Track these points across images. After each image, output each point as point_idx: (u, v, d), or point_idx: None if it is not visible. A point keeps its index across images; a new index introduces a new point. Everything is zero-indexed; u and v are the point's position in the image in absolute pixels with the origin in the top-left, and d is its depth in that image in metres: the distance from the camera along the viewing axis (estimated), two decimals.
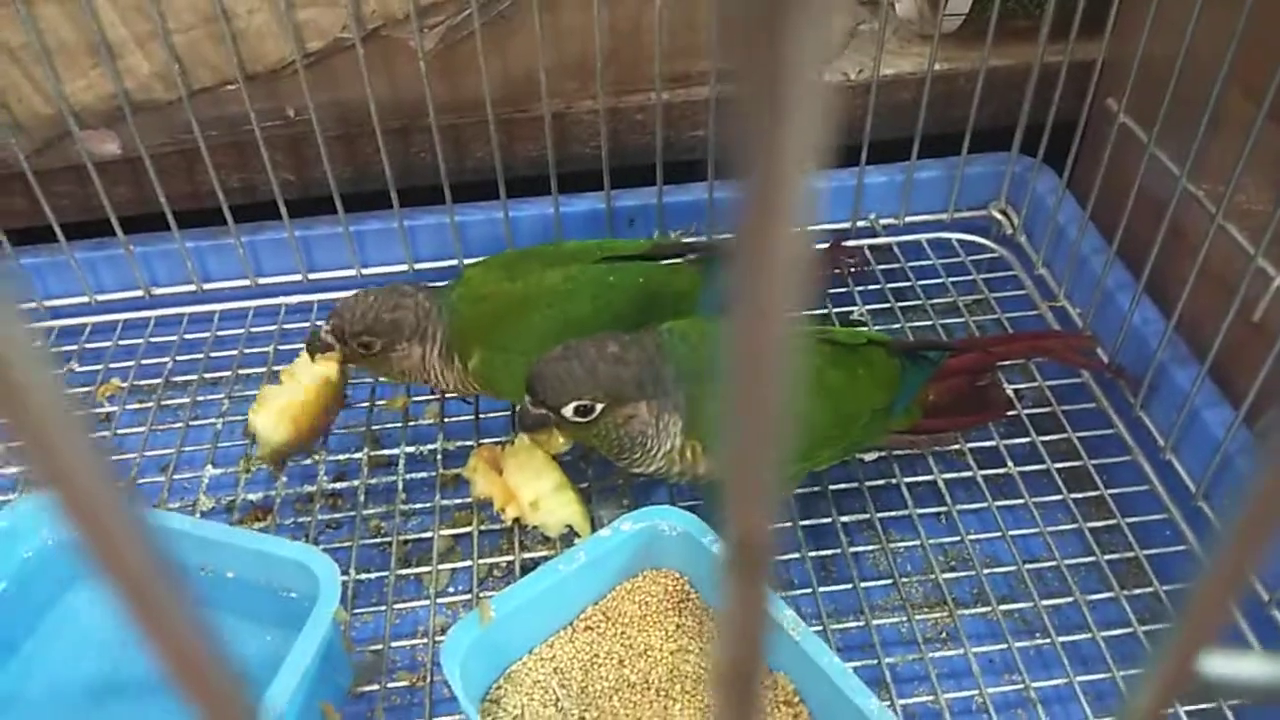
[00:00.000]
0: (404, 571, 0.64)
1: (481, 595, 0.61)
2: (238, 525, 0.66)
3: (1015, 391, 0.72)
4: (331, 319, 0.63)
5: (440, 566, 0.64)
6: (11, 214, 0.83)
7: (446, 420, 0.73)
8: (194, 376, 0.77)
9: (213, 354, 0.79)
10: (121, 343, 0.81)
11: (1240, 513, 0.15)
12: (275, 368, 0.76)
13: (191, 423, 0.73)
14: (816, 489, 0.66)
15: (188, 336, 0.81)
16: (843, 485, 0.67)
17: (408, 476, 0.69)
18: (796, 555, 0.63)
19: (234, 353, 0.79)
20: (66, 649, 0.59)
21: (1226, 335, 0.62)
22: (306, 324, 0.81)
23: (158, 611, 0.13)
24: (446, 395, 0.74)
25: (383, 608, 0.62)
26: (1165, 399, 0.68)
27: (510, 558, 0.64)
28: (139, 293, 0.83)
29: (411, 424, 0.73)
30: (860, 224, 0.87)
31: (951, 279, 0.83)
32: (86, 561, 0.12)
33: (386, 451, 0.71)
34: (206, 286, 0.83)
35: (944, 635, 0.61)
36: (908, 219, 0.87)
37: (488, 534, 0.66)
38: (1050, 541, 0.64)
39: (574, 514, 0.63)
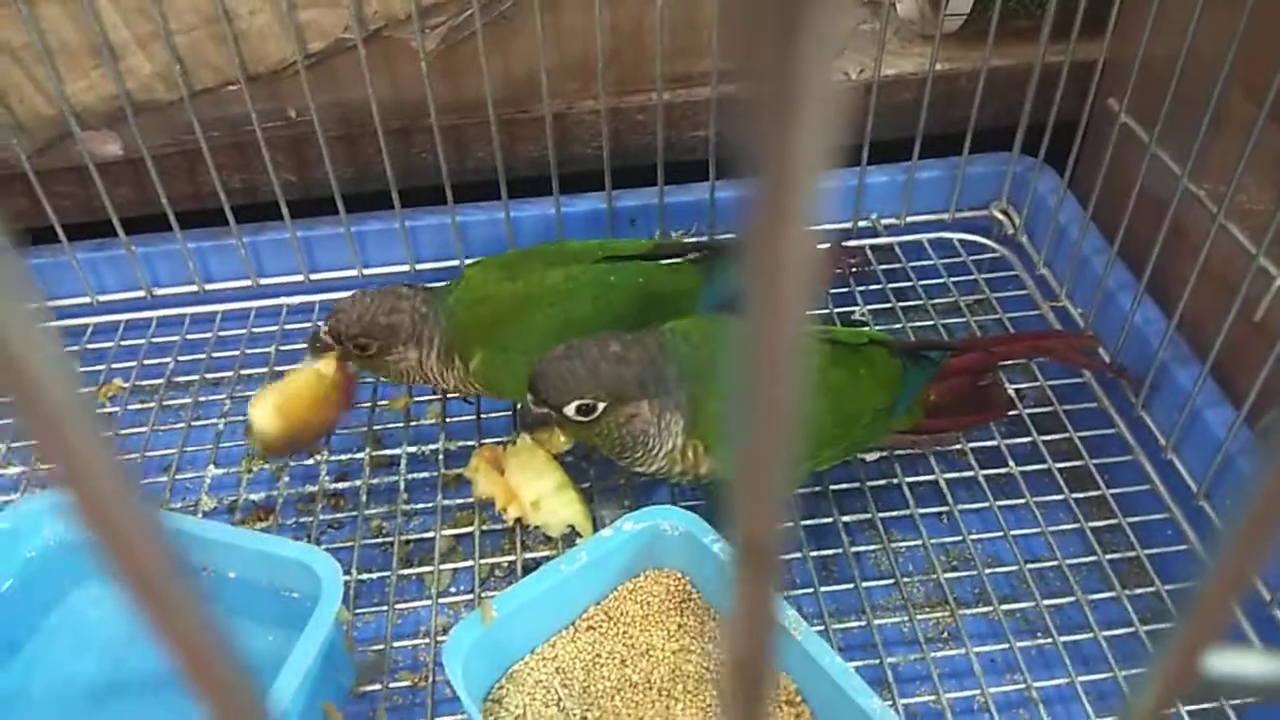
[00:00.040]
0: (406, 571, 0.64)
1: (483, 595, 0.61)
2: (240, 525, 0.67)
3: (1017, 391, 0.72)
4: (329, 320, 0.63)
5: (442, 566, 0.64)
6: (13, 214, 0.83)
7: (448, 420, 0.73)
8: (196, 377, 0.77)
9: (214, 354, 0.79)
10: (123, 343, 0.81)
11: (1243, 512, 0.15)
12: (277, 368, 0.76)
13: (193, 423, 0.73)
14: (818, 489, 0.66)
15: (189, 337, 0.81)
16: (844, 485, 0.67)
17: (409, 476, 0.69)
18: (798, 555, 0.63)
19: (236, 353, 0.79)
20: (69, 648, 0.59)
21: (1228, 335, 0.62)
22: (308, 324, 0.81)
23: (170, 609, 0.13)
24: (448, 395, 0.74)
25: (385, 608, 0.62)
26: (1167, 399, 0.68)
27: (512, 558, 0.65)
28: (141, 293, 0.83)
29: (413, 424, 0.73)
30: (862, 224, 0.87)
31: (953, 279, 0.83)
32: (99, 560, 0.12)
33: (388, 451, 0.71)
34: (208, 287, 0.83)
35: (945, 635, 0.62)
36: (909, 219, 0.87)
37: (489, 534, 0.66)
38: (1052, 541, 0.64)
39: (576, 514, 0.63)
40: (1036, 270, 0.83)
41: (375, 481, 0.69)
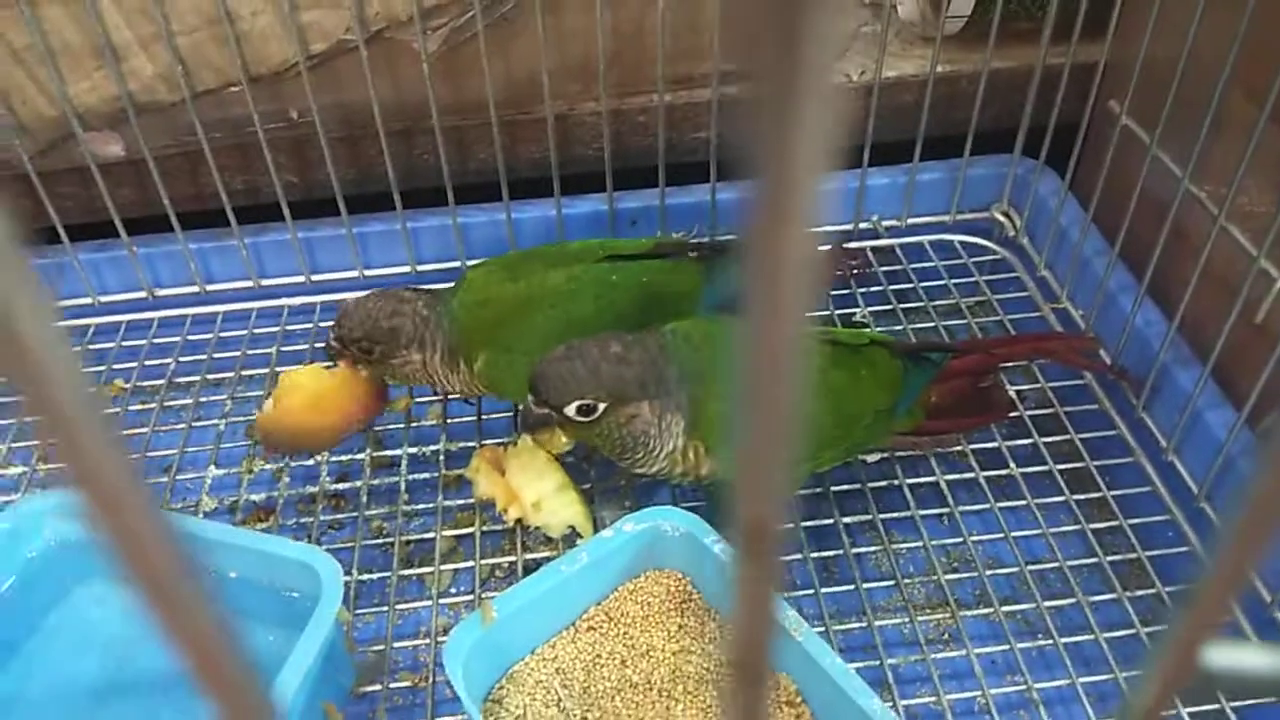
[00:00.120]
0: (406, 572, 0.64)
1: (484, 596, 0.61)
2: (240, 526, 0.67)
3: (1017, 393, 0.72)
4: (334, 325, 0.64)
5: (442, 567, 0.64)
6: (16, 215, 0.83)
7: (449, 421, 0.73)
8: (197, 378, 0.77)
9: (216, 355, 0.79)
10: (125, 344, 0.81)
11: (1242, 508, 0.15)
12: (278, 369, 0.77)
13: (194, 424, 0.73)
14: (819, 490, 0.67)
15: (191, 338, 0.81)
16: (845, 486, 0.67)
17: (410, 477, 0.69)
18: (799, 556, 0.63)
19: (237, 354, 0.79)
20: (70, 648, 0.59)
21: (1229, 337, 0.63)
22: (309, 325, 0.81)
23: (180, 609, 0.13)
24: (449, 397, 0.74)
25: (385, 608, 0.62)
26: (1167, 400, 0.68)
27: (512, 558, 0.65)
28: (142, 294, 0.83)
29: (414, 425, 0.73)
30: (863, 226, 0.87)
31: (954, 281, 0.83)
32: (108, 560, 0.12)
33: (389, 452, 0.71)
34: (210, 288, 0.84)
35: (946, 636, 0.62)
36: (910, 221, 0.87)
37: (490, 535, 0.66)
38: (1052, 542, 0.64)
39: (576, 514, 0.63)
40: (1037, 272, 0.83)
41: (376, 482, 0.69)
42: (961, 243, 0.87)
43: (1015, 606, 0.61)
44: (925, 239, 0.87)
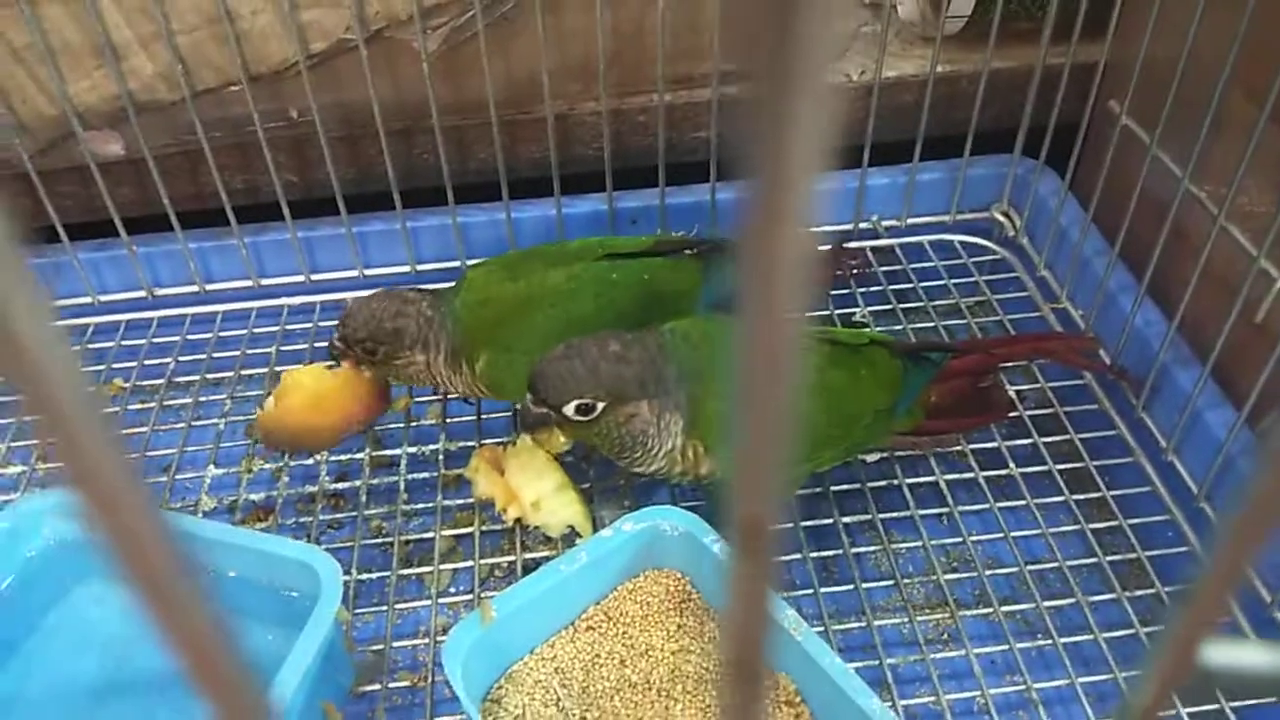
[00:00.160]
0: (405, 571, 0.64)
1: (483, 595, 0.61)
2: (240, 525, 0.67)
3: (1017, 393, 0.72)
4: (338, 325, 0.64)
5: (442, 567, 0.64)
6: (16, 214, 0.83)
7: (448, 421, 0.73)
8: (196, 377, 0.77)
9: (215, 355, 0.79)
10: (124, 343, 0.81)
11: (1240, 510, 0.15)
12: (278, 368, 0.77)
13: (194, 423, 0.73)
14: (818, 490, 0.66)
15: (190, 337, 0.81)
16: (845, 486, 0.67)
17: (409, 477, 0.69)
18: (798, 556, 0.63)
19: (236, 353, 0.79)
20: (69, 648, 0.59)
21: (1229, 337, 0.62)
22: (309, 325, 0.81)
23: (176, 609, 0.13)
24: (449, 396, 0.74)
25: (384, 608, 0.62)
26: (1167, 400, 0.68)
27: (512, 558, 0.65)
28: (142, 293, 0.83)
29: (413, 424, 0.73)
30: (863, 226, 0.87)
31: (954, 281, 0.83)
32: (105, 559, 0.12)
33: (388, 452, 0.71)
34: (209, 287, 0.84)
35: (946, 636, 0.62)
36: (910, 221, 0.87)
37: (489, 534, 0.66)
38: (1052, 542, 0.64)
39: (576, 514, 0.63)
40: (1037, 272, 0.83)
41: (375, 482, 0.69)
42: (961, 243, 0.87)
43: (1015, 606, 0.61)
44: (925, 239, 0.87)
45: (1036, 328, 0.79)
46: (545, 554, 0.64)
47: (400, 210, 0.80)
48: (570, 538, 0.64)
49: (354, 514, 0.67)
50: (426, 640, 0.61)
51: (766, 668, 0.15)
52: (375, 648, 0.60)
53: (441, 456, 0.70)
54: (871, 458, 0.68)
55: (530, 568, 0.57)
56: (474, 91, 0.77)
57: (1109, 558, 0.63)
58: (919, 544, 0.64)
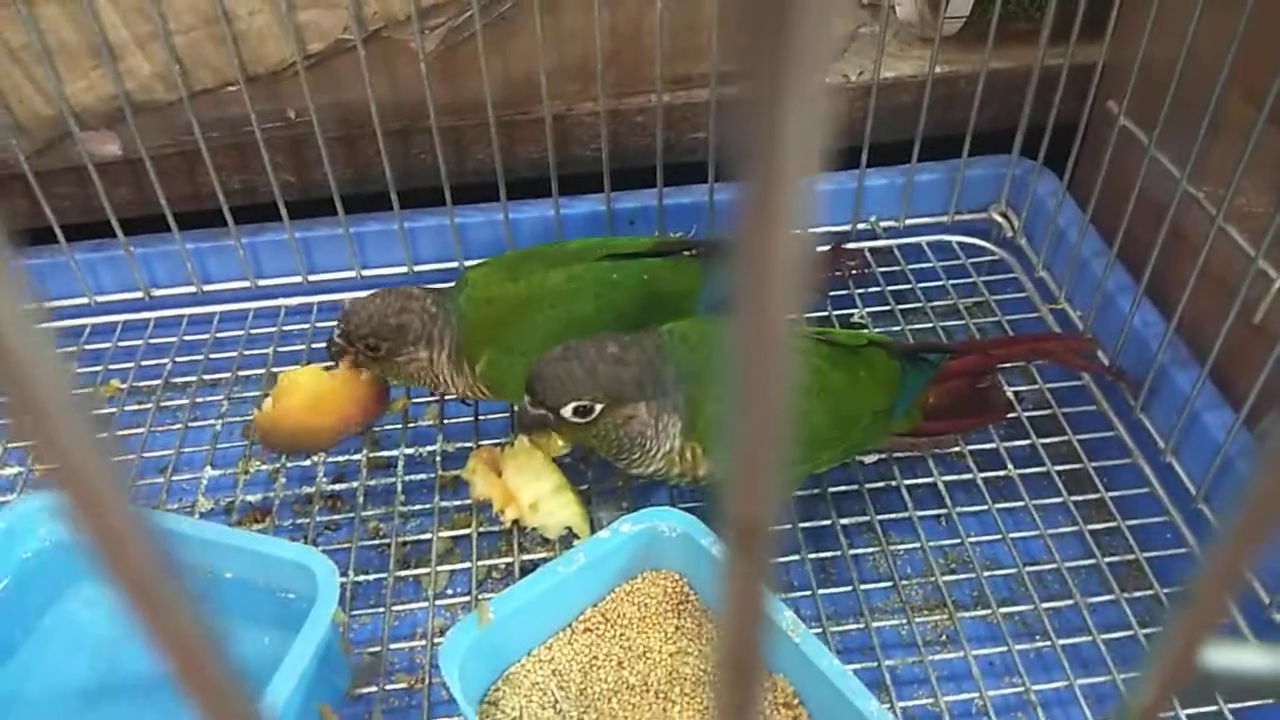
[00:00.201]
0: (403, 573, 0.64)
1: (480, 597, 0.61)
2: (236, 526, 0.66)
3: (1015, 394, 0.72)
4: (340, 321, 0.63)
5: (439, 568, 0.64)
6: (12, 215, 0.83)
7: (446, 422, 0.73)
8: (193, 378, 0.77)
9: (212, 355, 0.79)
10: (121, 344, 0.81)
11: (1240, 507, 0.15)
12: (275, 369, 0.76)
13: (191, 424, 0.73)
14: (816, 491, 0.66)
15: (187, 338, 0.81)
16: (843, 487, 0.67)
17: (407, 478, 0.69)
18: (796, 557, 0.63)
19: (234, 354, 0.79)
20: (64, 650, 0.59)
21: (1227, 337, 0.62)
22: (306, 326, 0.81)
23: (163, 612, 0.13)
24: (447, 398, 0.74)
25: (381, 609, 0.62)
26: (1166, 401, 0.68)
27: (509, 559, 0.64)
28: (139, 294, 0.83)
29: (411, 425, 0.73)
30: (861, 226, 0.87)
31: (952, 281, 0.83)
32: (91, 561, 0.12)
33: (385, 453, 0.71)
34: (206, 288, 0.83)
35: (944, 638, 0.61)
36: (908, 221, 0.87)
37: (487, 536, 0.66)
38: (1050, 544, 0.64)
39: (573, 515, 0.63)
40: (1035, 273, 0.83)
41: (372, 483, 0.69)
42: (959, 243, 0.87)
43: (1013, 608, 0.61)
44: (923, 240, 0.87)
45: (1035, 328, 0.79)
46: (543, 555, 0.64)
47: (398, 211, 0.80)
48: (568, 539, 0.64)
49: (351, 515, 0.67)
50: (424, 642, 0.61)
51: (763, 670, 0.15)
52: (372, 649, 0.60)
53: (439, 458, 0.70)
54: (870, 459, 0.68)
55: (528, 569, 0.57)
56: (472, 92, 0.77)
57: (1107, 559, 0.63)
58: (917, 545, 0.64)
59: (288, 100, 0.80)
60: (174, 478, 0.70)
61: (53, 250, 0.81)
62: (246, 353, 0.79)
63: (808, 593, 0.61)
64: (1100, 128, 0.77)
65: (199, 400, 0.75)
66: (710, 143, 0.82)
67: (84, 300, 0.82)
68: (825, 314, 0.80)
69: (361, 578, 0.63)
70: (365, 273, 0.84)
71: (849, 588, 0.62)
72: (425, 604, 0.62)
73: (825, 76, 0.10)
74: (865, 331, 0.68)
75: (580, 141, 0.86)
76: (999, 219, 0.87)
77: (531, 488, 0.63)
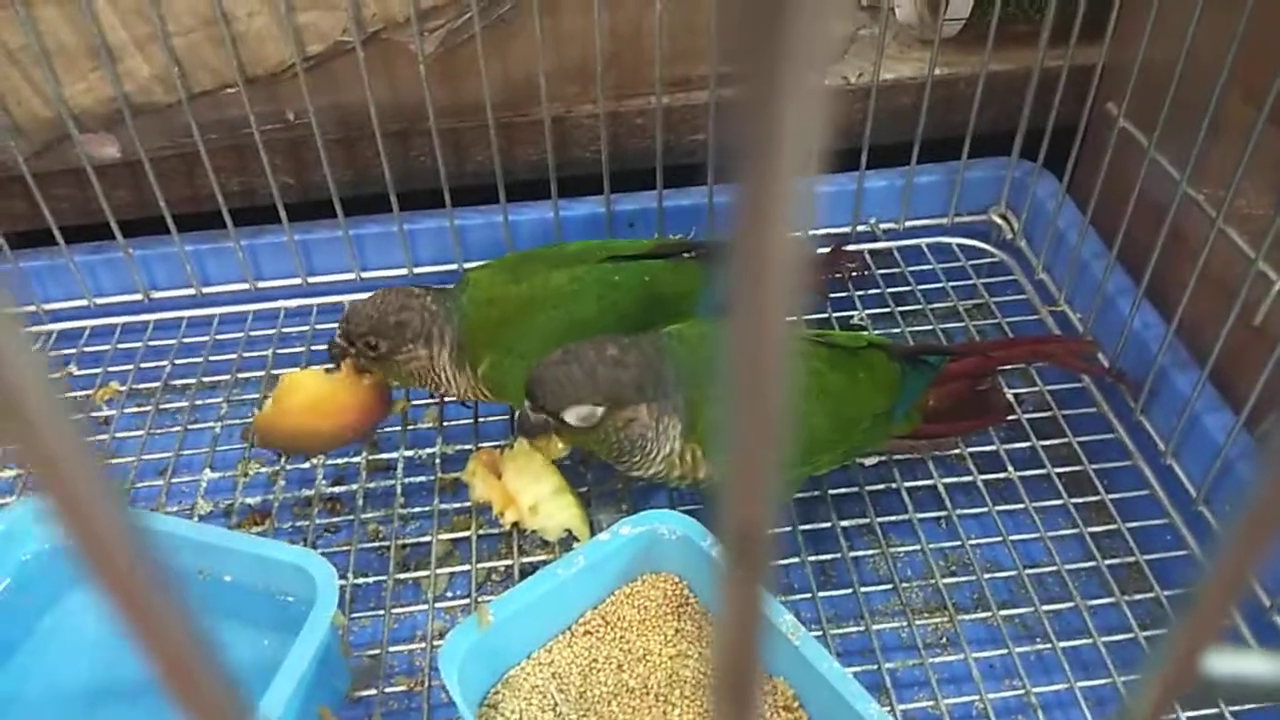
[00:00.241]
0: (402, 576, 0.64)
1: (480, 600, 0.61)
2: (236, 529, 0.66)
3: (1015, 396, 0.72)
4: (340, 322, 0.63)
5: (438, 571, 0.64)
6: (10, 217, 0.83)
7: (445, 424, 0.73)
8: (192, 380, 0.77)
9: (211, 358, 0.79)
10: (120, 346, 0.80)
11: (1243, 513, 0.15)
12: (274, 371, 0.76)
13: (190, 426, 0.73)
14: (816, 493, 0.66)
15: (186, 340, 0.81)
16: (842, 490, 0.67)
17: (406, 480, 0.69)
18: (796, 560, 0.63)
19: (233, 356, 0.78)
20: (64, 651, 0.59)
21: (1227, 340, 0.62)
22: (306, 328, 0.81)
23: (149, 614, 0.13)
24: (446, 400, 0.74)
25: (381, 612, 0.62)
26: (1166, 403, 0.68)
27: (509, 562, 0.64)
28: (138, 296, 0.83)
29: (410, 428, 0.73)
30: (860, 228, 0.87)
31: (952, 283, 0.82)
32: (77, 563, 0.12)
33: (385, 455, 0.71)
34: (205, 290, 0.83)
35: (944, 640, 0.61)
36: (908, 223, 0.87)
37: (486, 538, 0.66)
38: (1051, 546, 0.64)
39: (573, 518, 0.63)
40: (1035, 275, 0.83)
41: (372, 485, 0.69)
42: (959, 245, 0.86)
43: (1013, 610, 0.61)
44: (923, 241, 0.87)
45: (1035, 330, 0.79)
46: (542, 558, 0.64)
47: (397, 213, 0.80)
48: (568, 541, 0.64)
49: (350, 518, 0.67)
50: (423, 645, 0.60)
51: (761, 675, 0.15)
52: (371, 652, 0.60)
53: (438, 460, 0.70)
54: (869, 461, 0.68)
55: (527, 572, 0.57)
56: (471, 94, 0.77)
57: (1107, 561, 0.63)
58: (917, 548, 0.64)
59: (287, 102, 0.80)
60: (173, 480, 0.70)
61: (52, 252, 0.81)
62: (246, 355, 0.79)
63: (808, 595, 0.61)
64: (1100, 129, 0.77)
65: (198, 402, 0.75)
66: (710, 145, 0.82)
67: (83, 302, 0.82)
68: (825, 316, 0.80)
69: (361, 580, 0.63)
70: (365, 275, 0.84)
71: (849, 590, 0.62)
72: (425, 606, 0.62)
73: (822, 77, 0.10)
74: (865, 333, 0.68)
75: (579, 143, 0.86)
76: (999, 221, 0.87)
77: (531, 490, 0.63)
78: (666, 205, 0.83)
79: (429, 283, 0.80)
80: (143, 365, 0.78)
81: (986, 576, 0.63)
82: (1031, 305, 0.81)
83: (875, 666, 0.58)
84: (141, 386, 0.77)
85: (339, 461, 0.71)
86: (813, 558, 0.63)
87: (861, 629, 0.60)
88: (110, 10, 0.73)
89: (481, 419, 0.73)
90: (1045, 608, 0.61)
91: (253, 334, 0.81)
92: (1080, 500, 0.66)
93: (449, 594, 0.65)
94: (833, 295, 0.81)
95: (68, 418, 0.11)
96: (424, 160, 0.84)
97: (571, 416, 0.55)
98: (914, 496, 0.66)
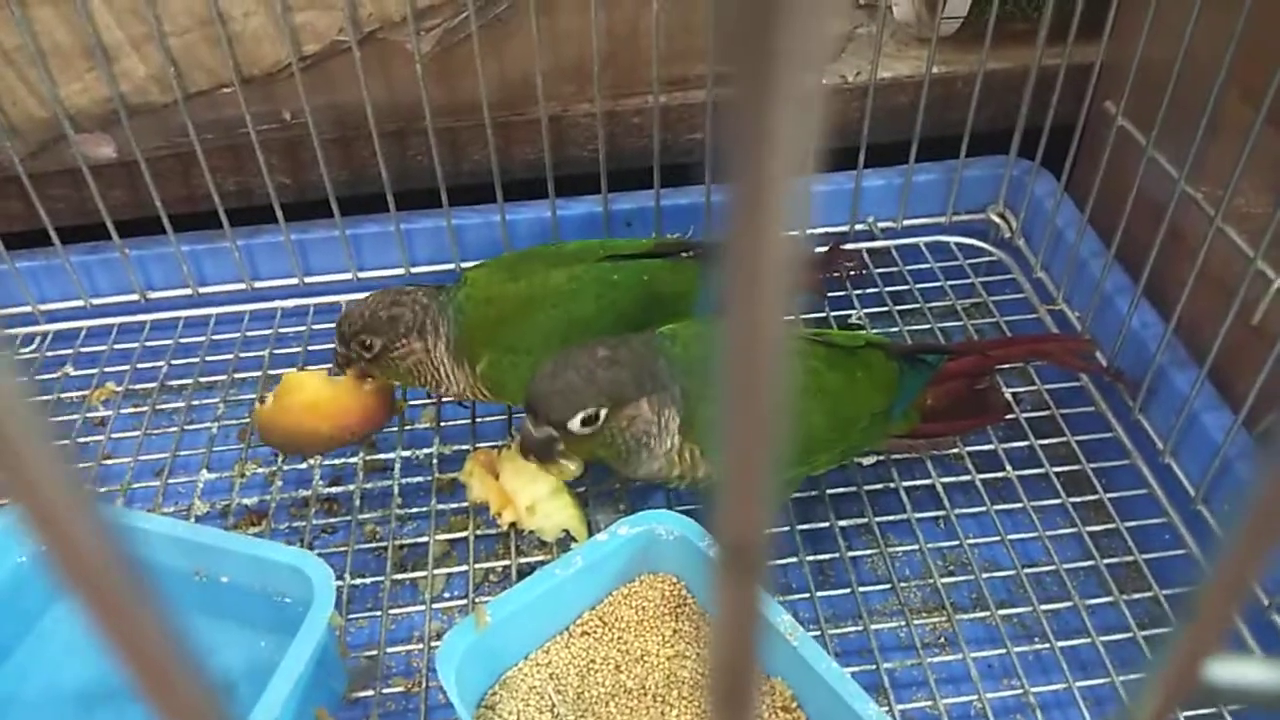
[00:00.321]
0: (399, 576, 0.64)
1: (477, 600, 0.61)
2: (232, 530, 0.66)
3: (1014, 395, 0.72)
4: (335, 326, 0.63)
5: (436, 571, 0.64)
6: (6, 217, 0.82)
7: (443, 424, 0.73)
8: (189, 380, 0.77)
9: (208, 358, 0.79)
10: (117, 347, 0.80)
11: (1243, 517, 0.15)
12: (271, 372, 0.76)
13: (186, 427, 0.73)
14: (814, 493, 0.66)
15: (183, 340, 0.80)
16: (840, 489, 0.67)
17: (403, 481, 0.69)
18: (794, 560, 0.63)
19: (229, 357, 0.78)
20: (60, 654, 0.59)
21: (1225, 338, 0.62)
22: (303, 328, 0.81)
23: (124, 620, 0.13)
24: (443, 399, 0.73)
25: (378, 613, 0.61)
26: (1164, 402, 0.68)
27: (506, 562, 0.64)
28: (134, 296, 0.83)
29: (407, 428, 0.73)
30: (858, 227, 0.86)
31: (950, 282, 0.82)
32: (52, 571, 0.12)
33: (382, 456, 0.71)
34: (202, 290, 0.83)
35: (942, 640, 0.61)
36: (906, 222, 0.87)
37: (484, 539, 0.66)
38: (1049, 546, 0.64)
39: (571, 518, 0.63)
40: (1033, 273, 0.83)
41: (369, 486, 0.69)
42: (957, 244, 0.86)
43: (1012, 610, 0.61)
44: (921, 240, 0.86)
45: (1033, 329, 0.79)
46: (540, 558, 0.63)
47: (394, 212, 0.80)
48: (565, 542, 0.64)
49: (348, 518, 0.67)
50: (420, 646, 0.60)
51: (758, 676, 0.15)
52: (369, 653, 0.60)
53: (436, 460, 0.70)
54: (868, 461, 0.68)
55: (525, 572, 0.57)
56: (468, 93, 0.77)
57: (1106, 560, 0.63)
58: (915, 547, 0.64)
59: (283, 102, 0.80)
60: (170, 481, 0.69)
61: (48, 253, 0.80)
62: (243, 355, 0.79)
63: (806, 595, 0.61)
64: (1098, 128, 0.77)
65: (195, 403, 0.75)
66: (707, 144, 0.82)
67: (79, 303, 0.82)
68: (823, 315, 0.80)
69: (358, 581, 0.63)
70: (361, 274, 0.84)
71: (847, 590, 0.62)
72: (422, 607, 0.62)
73: (816, 76, 0.10)
74: (863, 332, 0.68)
75: (577, 143, 0.85)
76: (997, 220, 0.87)
77: (529, 490, 0.63)
78: (664, 204, 0.83)
79: (426, 282, 0.80)
80: (139, 366, 0.78)
81: (985, 576, 0.63)
82: (1030, 304, 0.81)
83: (873, 666, 0.58)
84: (138, 387, 0.77)
85: (336, 462, 0.71)
86: (811, 557, 0.63)
87: (860, 629, 0.60)
88: (106, 10, 0.73)
89: (479, 419, 0.73)
90: (1044, 607, 0.60)
91: (249, 334, 0.81)
92: (1079, 499, 0.66)
93: (446, 595, 0.64)
94: (830, 294, 0.81)
95: (37, 418, 0.11)
96: (421, 160, 0.84)
97: (577, 424, 0.55)
98: (912, 496, 0.66)
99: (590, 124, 0.83)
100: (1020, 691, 0.57)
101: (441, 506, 0.67)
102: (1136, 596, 0.61)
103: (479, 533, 0.65)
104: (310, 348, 0.78)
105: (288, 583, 0.55)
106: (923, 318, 0.80)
